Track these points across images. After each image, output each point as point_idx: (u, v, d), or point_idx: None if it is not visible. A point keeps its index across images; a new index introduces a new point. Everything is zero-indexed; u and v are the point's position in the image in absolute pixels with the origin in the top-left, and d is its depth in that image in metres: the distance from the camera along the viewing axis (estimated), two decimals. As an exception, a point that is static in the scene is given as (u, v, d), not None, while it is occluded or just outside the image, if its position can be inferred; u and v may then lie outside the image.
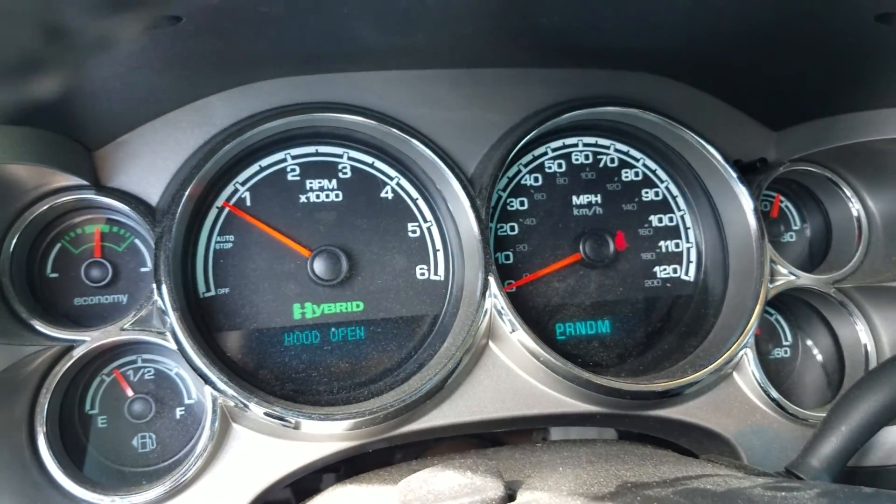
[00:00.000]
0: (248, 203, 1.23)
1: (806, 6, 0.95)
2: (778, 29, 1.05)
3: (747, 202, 1.28)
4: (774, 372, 1.37)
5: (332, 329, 1.23)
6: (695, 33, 1.13)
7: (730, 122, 1.36)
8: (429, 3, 0.92)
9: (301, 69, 1.20)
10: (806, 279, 1.30)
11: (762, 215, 1.39)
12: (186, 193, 1.11)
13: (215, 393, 1.06)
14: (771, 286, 1.28)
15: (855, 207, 1.36)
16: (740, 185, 1.28)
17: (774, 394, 1.24)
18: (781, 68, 1.19)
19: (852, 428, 1.02)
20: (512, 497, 0.80)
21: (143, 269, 1.19)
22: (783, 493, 0.76)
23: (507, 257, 1.33)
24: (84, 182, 1.10)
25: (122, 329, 1.08)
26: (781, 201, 1.43)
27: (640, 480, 0.83)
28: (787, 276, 1.29)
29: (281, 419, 1.06)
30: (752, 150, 1.35)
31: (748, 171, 1.31)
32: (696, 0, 0.94)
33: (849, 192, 1.36)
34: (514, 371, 1.21)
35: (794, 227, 1.44)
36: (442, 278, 1.28)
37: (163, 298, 1.07)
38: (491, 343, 1.22)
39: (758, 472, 0.96)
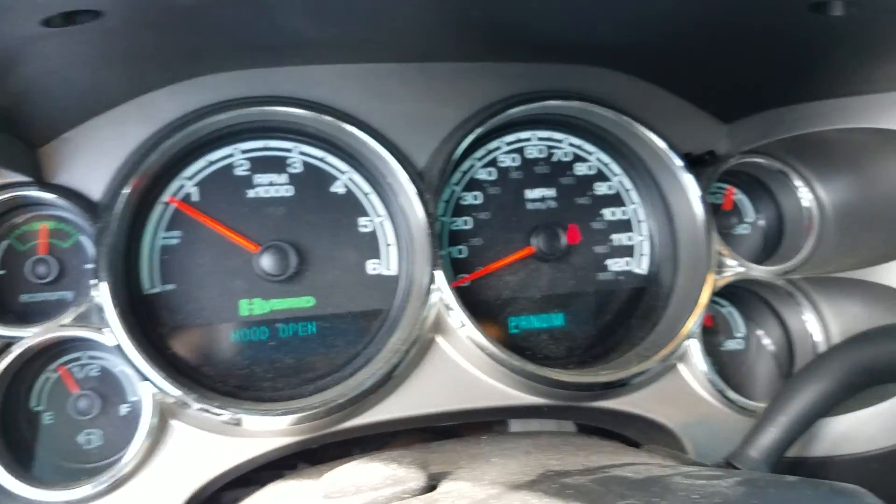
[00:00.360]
0: (196, 198, 1.22)
1: (740, 3, 0.95)
2: (720, 22, 1.05)
3: (695, 194, 1.28)
4: (728, 363, 1.38)
5: (282, 325, 1.23)
6: (642, 29, 1.13)
7: (681, 115, 1.36)
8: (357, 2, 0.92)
9: (249, 63, 1.20)
10: (755, 271, 1.31)
11: (715, 208, 1.40)
12: (127, 188, 1.11)
13: (154, 389, 1.06)
14: (719, 278, 1.28)
15: (806, 198, 1.36)
16: (689, 178, 1.28)
17: (720, 384, 1.24)
18: (728, 61, 1.19)
19: (790, 419, 1.03)
20: (433, 487, 0.80)
21: (88, 266, 1.18)
22: (702, 481, 0.76)
23: (460, 251, 1.33)
24: (27, 179, 1.10)
25: (62, 325, 1.07)
26: (735, 194, 1.44)
27: (564, 469, 0.83)
28: (737, 267, 1.30)
29: (219, 415, 1.06)
30: (704, 142, 1.36)
31: (698, 164, 1.32)
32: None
33: (799, 183, 1.36)
34: (460, 365, 1.21)
35: (748, 219, 1.44)
36: (394, 273, 1.28)
37: (102, 294, 1.07)
38: (439, 337, 1.22)
39: (692, 463, 0.97)
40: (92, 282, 1.08)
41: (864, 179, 1.26)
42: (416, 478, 0.80)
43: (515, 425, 1.46)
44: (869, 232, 1.24)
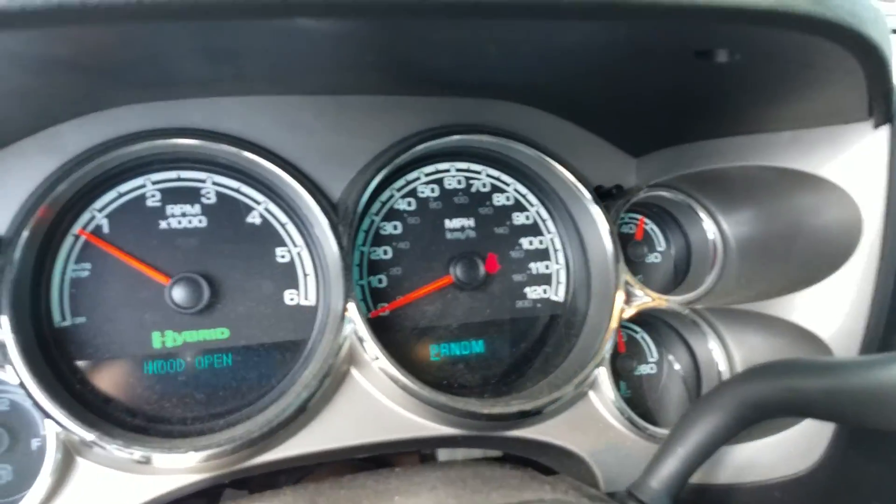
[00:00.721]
0: (106, 230, 1.20)
1: (624, 49, 0.99)
2: (616, 67, 1.09)
3: (604, 226, 1.33)
4: (642, 388, 1.42)
5: (198, 357, 1.22)
6: (544, 72, 1.17)
7: (593, 150, 1.40)
8: (244, 44, 0.92)
9: (157, 95, 1.19)
10: (660, 301, 1.35)
11: (628, 237, 1.45)
12: (32, 221, 1.09)
13: (57, 427, 1.04)
14: (628, 307, 1.32)
15: (710, 231, 1.42)
16: (598, 211, 1.33)
17: (628, 412, 1.28)
18: (631, 100, 1.23)
19: (688, 450, 1.06)
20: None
21: (-7, 300, 1.16)
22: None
23: (380, 281, 1.34)
24: (-78, 213, 1.07)
25: (-41, 364, 1.05)
26: (646, 223, 1.49)
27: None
28: (643, 297, 1.34)
29: (123, 453, 1.04)
30: (615, 176, 1.40)
31: (607, 197, 1.36)
32: (508, 49, 0.97)
33: (704, 216, 1.42)
34: (374, 397, 1.22)
35: (659, 249, 1.50)
36: (313, 303, 1.28)
37: (3, 331, 1.04)
38: (353, 369, 1.22)
39: (594, 496, 0.99)
40: (-8, 318, 1.06)
41: (762, 214, 1.32)
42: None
43: (443, 452, 1.47)
44: (766, 265, 1.30)
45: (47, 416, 1.04)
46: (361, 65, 1.10)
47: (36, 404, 1.04)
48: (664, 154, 1.37)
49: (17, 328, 1.06)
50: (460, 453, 1.47)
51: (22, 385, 1.04)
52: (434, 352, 1.35)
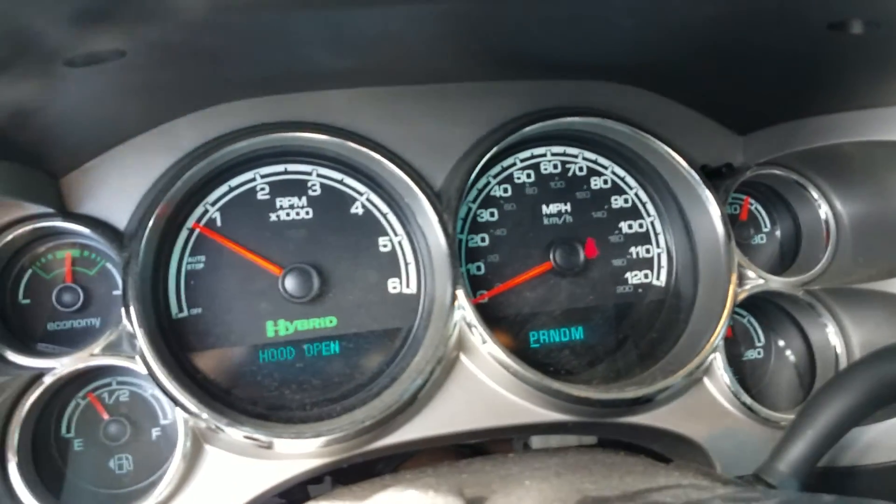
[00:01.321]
0: (219, 223, 1.23)
1: (758, 19, 0.96)
2: (737, 41, 1.06)
3: (714, 207, 1.29)
4: (748, 373, 1.39)
5: (306, 345, 1.24)
6: (656, 49, 1.14)
7: (697, 128, 1.37)
8: (372, 32, 0.93)
9: (266, 90, 1.21)
10: (774, 282, 1.31)
11: (732, 219, 1.41)
12: (153, 217, 1.12)
13: (186, 415, 1.07)
14: (740, 290, 1.29)
15: (823, 210, 1.37)
16: (706, 191, 1.29)
17: (745, 398, 1.25)
18: (744, 75, 1.20)
19: (818, 432, 1.03)
20: (471, 513, 0.81)
21: (115, 293, 1.20)
22: (739, 504, 0.77)
23: (478, 268, 1.34)
24: (50, 210, 1.11)
25: (92, 355, 1.09)
26: (751, 204, 1.45)
27: (601, 495, 0.84)
28: (756, 279, 1.31)
29: (252, 439, 1.07)
30: (720, 154, 1.36)
31: (714, 177, 1.32)
32: (644, 19, 0.95)
33: (816, 195, 1.37)
34: (485, 382, 1.22)
35: (765, 230, 1.45)
36: (414, 291, 1.29)
37: (131, 322, 1.08)
38: (462, 355, 1.23)
39: (724, 480, 0.97)
40: (121, 309, 1.09)
41: (881, 192, 1.26)
42: (453, 504, 0.80)
43: (536, 440, 1.47)
44: (887, 244, 1.25)
45: (177, 403, 1.07)
46: (469, 47, 1.09)
47: (165, 392, 1.07)
48: (773, 131, 1.33)
49: (143, 320, 1.09)
50: (553, 441, 1.46)
51: (151, 374, 1.08)
52: (534, 338, 1.34)
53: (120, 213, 1.16)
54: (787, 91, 1.20)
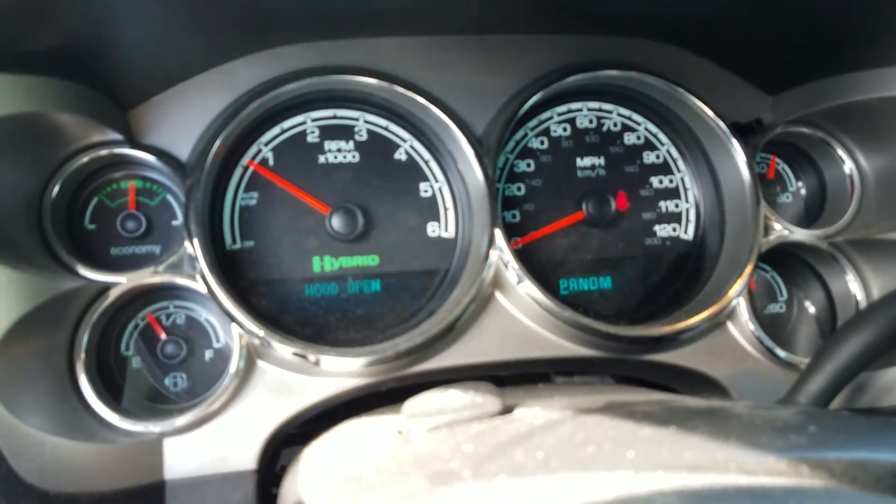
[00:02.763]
0: (271, 162, 1.31)
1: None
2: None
3: (742, 161, 1.34)
4: (770, 326, 1.43)
5: (350, 281, 1.31)
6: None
7: (727, 87, 1.42)
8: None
9: (319, 35, 1.28)
10: (799, 234, 1.36)
11: (759, 177, 1.45)
12: (213, 150, 1.20)
13: (241, 331, 1.15)
14: (765, 241, 1.34)
15: (848, 166, 1.41)
16: (736, 145, 1.34)
17: (767, 342, 1.30)
18: (774, 32, 1.25)
19: (837, 367, 1.08)
20: (509, 411, 0.88)
21: (174, 223, 1.28)
22: (762, 411, 0.83)
23: (514, 216, 1.40)
24: (120, 137, 1.19)
25: (155, 272, 1.17)
26: (777, 163, 1.49)
27: (629, 400, 0.90)
28: (781, 231, 1.36)
29: (302, 356, 1.15)
30: (749, 113, 1.41)
31: (745, 133, 1.37)
32: None
33: (842, 152, 1.41)
34: (518, 318, 1.28)
35: (791, 189, 1.50)
36: (452, 236, 1.36)
37: (193, 245, 1.16)
38: (497, 293, 1.29)
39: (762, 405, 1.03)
40: (183, 233, 1.17)
41: (906, 145, 1.31)
42: (493, 402, 0.87)
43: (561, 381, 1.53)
44: (910, 195, 1.30)
45: (233, 320, 1.15)
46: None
47: (223, 308, 1.15)
48: (802, 90, 1.37)
49: (204, 245, 1.17)
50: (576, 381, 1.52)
51: (210, 293, 1.15)
52: (564, 286, 1.40)
53: (182, 146, 1.24)
54: (817, 47, 1.25)
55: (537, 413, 0.85)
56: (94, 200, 1.26)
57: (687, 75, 1.38)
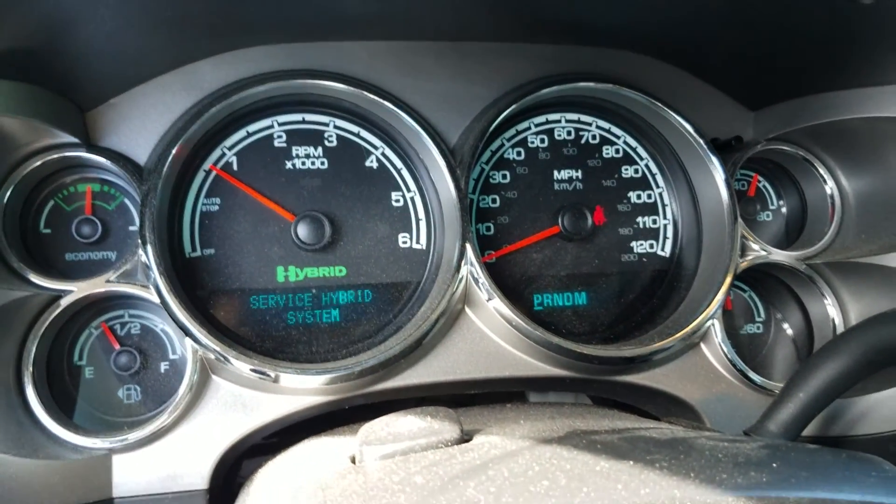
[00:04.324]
0: (235, 167, 1.26)
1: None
2: (755, 11, 1.07)
3: (721, 178, 1.31)
4: (747, 346, 1.41)
5: (315, 292, 1.27)
6: (674, 12, 1.16)
7: (709, 102, 1.39)
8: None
9: (289, 37, 1.24)
10: (777, 255, 1.33)
11: (739, 195, 1.43)
12: (172, 153, 1.15)
13: (196, 346, 1.11)
14: (742, 261, 1.31)
15: (829, 186, 1.39)
16: (715, 162, 1.31)
17: (740, 364, 1.27)
18: (758, 48, 1.22)
19: (809, 395, 1.05)
20: (467, 440, 0.84)
21: (131, 228, 1.23)
22: (725, 444, 0.79)
23: (488, 228, 1.37)
24: (76, 140, 1.14)
25: (108, 281, 1.12)
26: (759, 181, 1.46)
27: (591, 429, 0.86)
28: (759, 251, 1.33)
29: (259, 373, 1.10)
30: (730, 129, 1.38)
31: (724, 150, 1.34)
32: None
33: (823, 171, 1.39)
34: (488, 335, 1.24)
35: (771, 207, 1.47)
36: (423, 247, 1.32)
37: (147, 254, 1.11)
38: (467, 309, 1.25)
39: (713, 430, 1.00)
40: (137, 241, 1.12)
41: (886, 168, 1.28)
42: (451, 430, 0.83)
43: (534, 398, 1.50)
44: (890, 219, 1.27)
45: (187, 333, 1.10)
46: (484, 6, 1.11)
47: (176, 321, 1.10)
48: (784, 107, 1.34)
49: (159, 253, 1.12)
50: (551, 397, 1.49)
51: (163, 303, 1.11)
52: (538, 301, 1.37)
53: (141, 150, 1.19)
54: (800, 65, 1.22)
55: (495, 442, 0.81)
56: (50, 204, 1.21)
57: (667, 88, 1.35)
